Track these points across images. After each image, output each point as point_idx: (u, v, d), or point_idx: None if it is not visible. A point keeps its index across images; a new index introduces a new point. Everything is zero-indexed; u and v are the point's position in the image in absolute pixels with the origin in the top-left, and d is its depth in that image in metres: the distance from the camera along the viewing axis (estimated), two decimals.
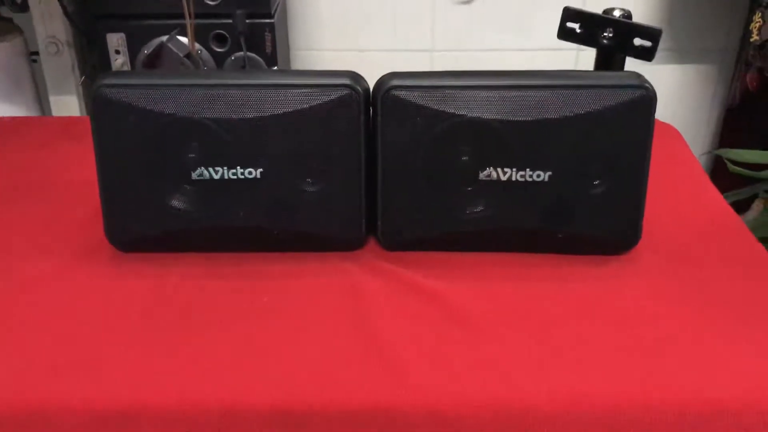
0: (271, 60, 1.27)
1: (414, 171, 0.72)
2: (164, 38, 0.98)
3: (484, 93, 0.70)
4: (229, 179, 0.72)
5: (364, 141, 0.72)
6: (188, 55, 0.98)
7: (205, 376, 0.61)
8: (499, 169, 0.71)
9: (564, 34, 0.96)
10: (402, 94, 0.70)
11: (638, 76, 0.71)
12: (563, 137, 0.70)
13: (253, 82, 0.70)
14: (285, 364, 0.62)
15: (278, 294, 0.70)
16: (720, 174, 1.48)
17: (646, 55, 0.92)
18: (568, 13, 0.94)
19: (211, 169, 0.71)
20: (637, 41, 0.92)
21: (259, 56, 1.26)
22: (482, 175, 0.71)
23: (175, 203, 0.73)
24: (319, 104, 0.70)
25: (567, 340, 0.64)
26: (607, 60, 0.96)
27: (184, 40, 1.12)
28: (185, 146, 0.71)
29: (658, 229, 0.79)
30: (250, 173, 0.71)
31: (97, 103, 0.70)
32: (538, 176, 0.71)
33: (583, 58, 0.94)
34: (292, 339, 0.65)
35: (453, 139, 0.71)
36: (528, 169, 0.71)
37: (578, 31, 0.95)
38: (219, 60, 1.26)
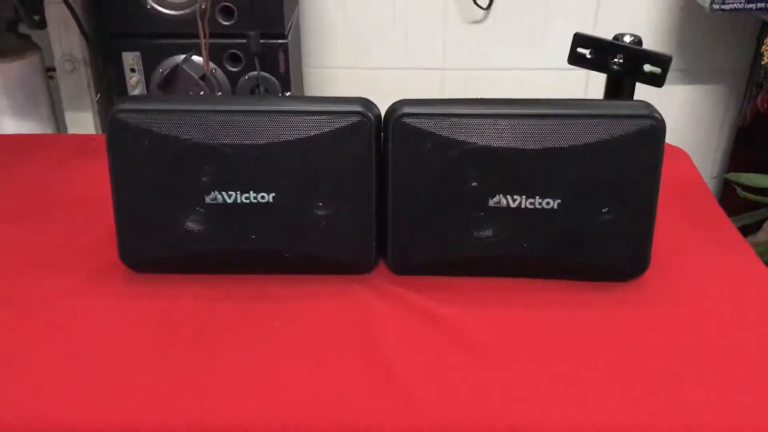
0: (285, 79, 1.29)
1: (424, 196, 0.73)
2: (180, 58, 0.99)
3: (494, 121, 0.70)
4: (242, 203, 0.73)
5: (375, 166, 0.73)
6: (203, 77, 0.99)
7: (215, 400, 0.62)
8: (508, 196, 0.72)
9: (574, 59, 0.96)
10: (413, 121, 0.71)
11: (647, 105, 0.72)
12: (573, 166, 0.71)
13: (266, 108, 0.71)
14: (294, 389, 0.63)
15: (289, 318, 0.71)
16: (729, 197, 1.48)
17: (656, 81, 0.92)
18: (579, 39, 0.95)
19: (224, 193, 0.73)
20: (647, 67, 0.93)
21: (273, 75, 1.28)
22: (492, 202, 0.72)
23: (189, 226, 0.74)
24: (331, 131, 0.71)
25: (574, 369, 0.65)
26: (617, 85, 0.97)
27: (199, 60, 1.13)
28: (199, 171, 0.72)
29: (665, 254, 0.79)
30: (262, 198, 0.73)
31: (113, 128, 0.72)
32: (548, 204, 0.72)
33: (593, 77, 0.95)
34: (301, 364, 0.65)
35: (463, 166, 0.71)
36: (537, 197, 0.72)
37: (589, 56, 0.95)
38: (233, 79, 1.27)
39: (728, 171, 1.60)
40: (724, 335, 0.69)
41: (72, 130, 1.29)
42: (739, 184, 1.22)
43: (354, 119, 0.71)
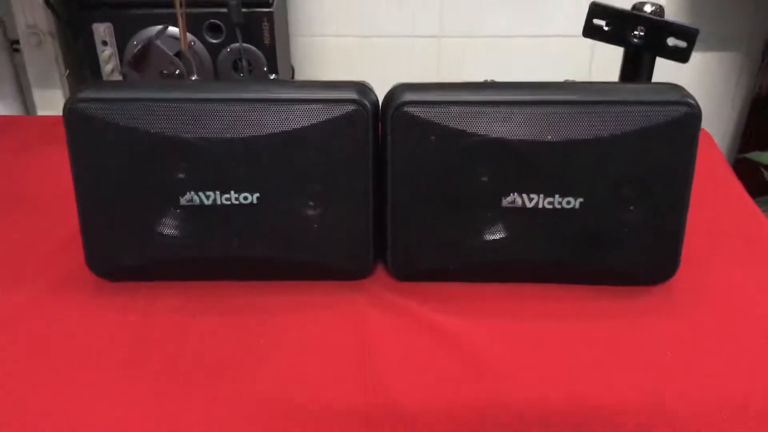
0: (270, 51, 1.19)
1: (428, 195, 0.64)
2: (155, 31, 0.89)
3: (507, 109, 0.62)
4: (222, 205, 0.64)
5: (373, 161, 0.64)
6: (179, 53, 0.89)
7: (192, 429, 0.54)
8: (524, 195, 0.64)
9: (590, 31, 0.87)
10: (415, 110, 0.62)
11: (679, 89, 0.63)
12: (597, 160, 0.62)
13: (248, 96, 0.62)
14: (281, 419, 0.55)
15: (275, 335, 0.63)
16: (744, 175, 1.40)
17: (681, 56, 0.83)
18: (596, 9, 0.86)
19: (201, 194, 0.64)
20: (671, 41, 0.84)
21: (257, 47, 1.18)
22: (505, 202, 0.64)
23: (162, 230, 0.65)
24: (323, 122, 0.62)
25: (593, 391, 0.57)
26: (636, 60, 0.88)
27: (175, 31, 1.03)
28: (172, 168, 0.63)
29: (694, 253, 0.71)
30: (245, 198, 0.64)
31: (72, 120, 0.63)
32: (568, 203, 0.64)
33: (600, 45, 0.88)
34: (288, 391, 0.58)
35: (472, 161, 0.63)
36: (557, 195, 0.63)
37: (606, 28, 0.86)
38: (213, 52, 1.17)
39: (741, 146, 1.52)
40: (757, 351, 0.62)
41: (41, 109, 1.19)
42: (762, 165, 1.14)
43: (348, 108, 0.62)
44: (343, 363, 0.60)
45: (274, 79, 0.69)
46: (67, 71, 1.16)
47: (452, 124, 0.62)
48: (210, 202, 0.64)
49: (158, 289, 0.68)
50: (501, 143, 0.62)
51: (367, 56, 1.52)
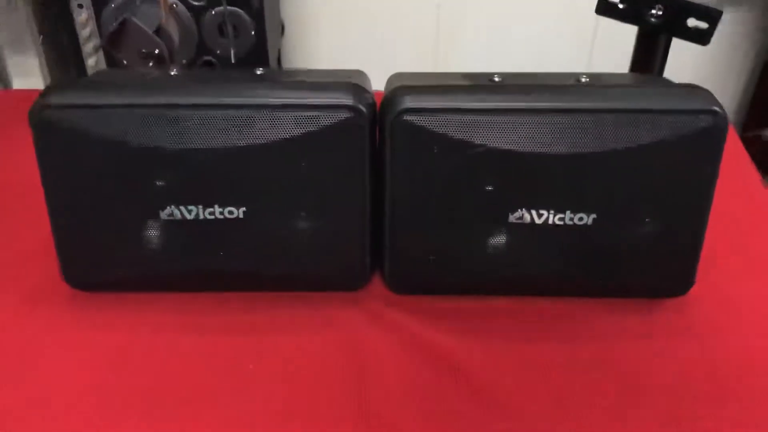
0: (258, 15, 1.12)
1: (428, 207, 0.60)
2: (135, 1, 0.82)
3: (514, 118, 0.56)
4: (206, 219, 0.59)
5: (370, 167, 0.59)
6: (158, 30, 0.82)
7: None
8: (533, 211, 0.59)
9: (603, 8, 0.81)
10: (416, 119, 0.56)
11: (704, 94, 0.58)
12: (612, 174, 0.57)
13: (232, 101, 0.57)
14: None
15: (266, 359, 0.59)
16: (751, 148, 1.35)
17: (701, 38, 0.78)
18: None
19: (182, 208, 0.59)
20: (691, 22, 0.77)
21: (244, 9, 1.11)
22: (512, 217, 0.59)
23: (142, 245, 0.61)
24: (315, 131, 0.57)
25: (601, 424, 0.54)
26: (651, 39, 0.82)
27: None
28: (150, 181, 0.58)
29: (713, 260, 0.67)
30: (230, 213, 0.59)
31: (39, 129, 0.57)
32: (581, 219, 0.59)
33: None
34: (279, 424, 0.54)
35: (477, 174, 0.58)
36: (568, 212, 0.59)
37: (620, 6, 0.80)
38: (197, 14, 1.10)
39: (750, 114, 1.46)
40: None
41: (16, 77, 1.12)
42: None
43: (343, 115, 0.57)
44: (337, 392, 0.57)
45: (261, 74, 0.62)
46: (42, 36, 1.09)
47: (455, 134, 0.57)
48: (192, 216, 0.59)
49: (139, 302, 0.64)
50: (508, 155, 0.57)
51: (361, 19, 1.43)
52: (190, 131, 0.56)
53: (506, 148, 0.57)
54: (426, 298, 0.64)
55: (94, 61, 1.11)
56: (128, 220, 0.60)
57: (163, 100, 0.57)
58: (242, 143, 0.57)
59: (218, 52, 1.11)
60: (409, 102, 0.57)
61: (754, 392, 0.56)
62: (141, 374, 0.58)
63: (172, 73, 0.62)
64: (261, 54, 1.14)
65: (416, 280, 0.64)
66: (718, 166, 0.58)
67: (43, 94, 0.58)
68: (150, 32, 0.80)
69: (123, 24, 0.78)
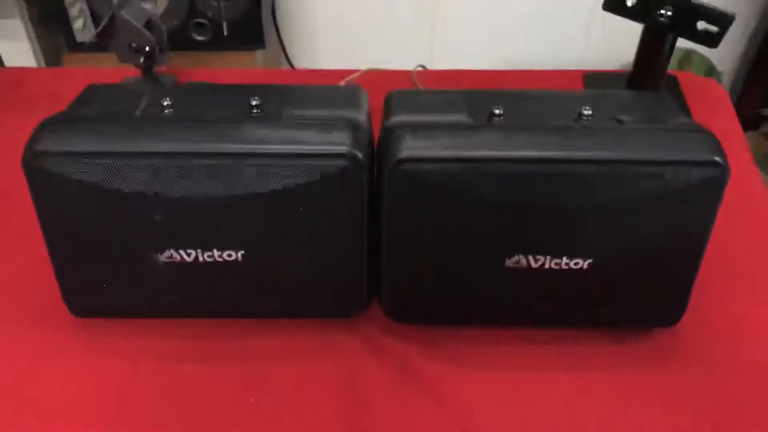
0: None
1: (425, 250, 0.60)
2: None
3: (514, 168, 0.55)
4: (205, 262, 0.59)
5: (367, 207, 0.59)
6: (149, 23, 0.79)
7: None
8: (530, 257, 0.59)
9: (611, 5, 0.77)
10: (414, 168, 0.56)
11: (709, 139, 0.57)
12: (610, 223, 0.57)
13: (229, 149, 0.56)
14: None
15: (267, 391, 0.61)
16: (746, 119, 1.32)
17: (710, 41, 0.75)
18: None
19: (181, 251, 0.59)
20: (701, 25, 0.75)
21: None
22: (509, 262, 0.59)
23: (142, 282, 0.61)
24: (313, 180, 0.56)
25: None
26: (658, 38, 0.79)
27: None
28: (148, 226, 0.58)
29: (706, 284, 0.67)
30: (229, 256, 0.59)
31: (33, 177, 0.56)
32: (576, 264, 0.59)
33: None
34: None
35: (474, 222, 0.58)
36: (565, 257, 0.59)
37: (629, 3, 0.77)
38: None
39: (747, 82, 1.42)
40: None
41: (1, 39, 1.08)
42: None
43: (341, 163, 0.56)
44: (332, 418, 0.59)
45: (257, 104, 0.60)
46: None
47: (454, 184, 0.56)
48: (191, 259, 0.59)
49: (141, 328, 0.65)
50: (505, 204, 0.57)
51: None
52: (184, 180, 0.56)
53: (503, 198, 0.56)
54: (421, 326, 0.66)
55: (81, 24, 1.07)
56: (127, 261, 0.60)
57: (155, 146, 0.56)
58: (240, 191, 0.56)
59: (209, 14, 1.07)
60: (407, 149, 0.56)
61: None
62: (144, 407, 0.60)
63: (165, 105, 0.60)
64: (255, 21, 1.10)
65: (413, 311, 0.65)
66: (716, 213, 0.58)
67: (35, 137, 0.56)
68: (140, 26, 0.77)
69: (112, 18, 0.75)
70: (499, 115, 0.60)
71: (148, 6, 0.80)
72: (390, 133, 0.58)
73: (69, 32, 1.08)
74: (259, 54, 1.14)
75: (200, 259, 0.59)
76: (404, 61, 1.26)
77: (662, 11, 0.75)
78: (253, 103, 0.60)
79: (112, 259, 0.60)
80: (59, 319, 0.66)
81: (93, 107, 0.62)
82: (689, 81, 0.94)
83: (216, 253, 0.59)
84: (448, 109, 0.62)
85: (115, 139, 0.56)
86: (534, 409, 0.60)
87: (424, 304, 0.64)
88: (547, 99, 0.65)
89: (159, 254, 0.59)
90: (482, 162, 0.56)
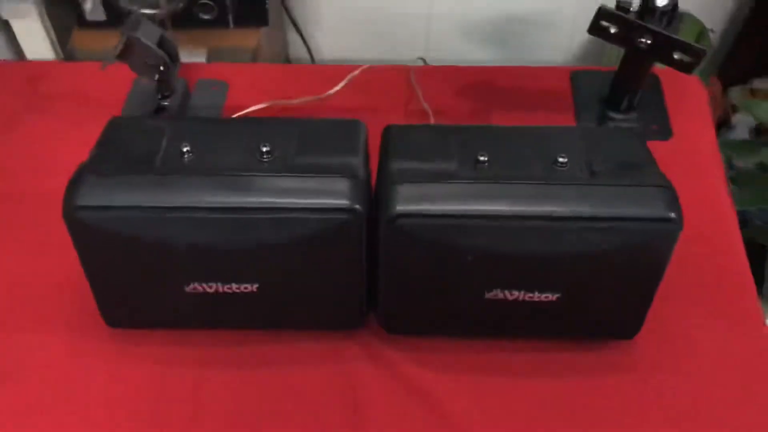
0: None
1: (418, 284, 0.69)
2: (137, 15, 0.83)
3: (493, 222, 0.63)
4: (224, 293, 0.69)
5: (366, 245, 0.67)
6: (161, 40, 0.84)
7: None
8: (506, 291, 0.68)
9: (596, 30, 0.82)
10: (407, 222, 0.64)
11: (669, 197, 0.64)
12: (576, 265, 0.66)
13: (244, 203, 0.63)
14: None
15: (275, 389, 0.72)
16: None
17: (685, 68, 0.81)
18: (603, 13, 0.80)
19: (204, 285, 0.68)
20: (677, 54, 0.80)
21: None
22: (488, 295, 0.69)
23: (170, 307, 0.71)
24: (317, 230, 0.64)
25: None
26: (638, 60, 0.85)
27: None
28: (176, 266, 0.67)
29: (666, 299, 0.76)
30: (246, 288, 0.68)
31: (73, 226, 0.64)
32: (546, 297, 0.69)
33: None
34: None
35: (462, 267, 0.66)
36: (536, 291, 0.68)
37: (613, 30, 0.82)
38: None
39: (738, 40, 1.44)
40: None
41: (15, 26, 1.12)
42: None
43: (342, 216, 0.64)
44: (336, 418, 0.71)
45: (265, 158, 0.67)
46: None
47: (440, 235, 0.64)
48: (213, 290, 0.68)
49: (169, 337, 0.75)
50: (486, 251, 0.65)
51: None
52: (207, 229, 0.64)
53: (483, 246, 0.65)
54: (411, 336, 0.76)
55: (89, 6, 1.11)
56: (157, 292, 0.69)
57: (182, 202, 0.63)
58: (254, 239, 0.64)
59: None
60: (401, 207, 0.63)
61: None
62: (178, 403, 0.71)
63: (185, 152, 0.67)
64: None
65: (403, 325, 0.75)
66: (670, 256, 0.66)
67: (72, 191, 0.63)
68: (153, 46, 0.83)
69: (128, 41, 0.81)
70: (484, 162, 0.68)
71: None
72: (386, 185, 0.65)
73: (79, 12, 1.12)
74: (263, 32, 1.18)
75: (221, 290, 0.68)
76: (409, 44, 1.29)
77: (642, 39, 0.80)
78: (264, 149, 0.67)
79: (144, 291, 0.70)
80: (96, 327, 0.75)
81: (117, 150, 0.69)
82: (670, 79, 0.99)
83: (234, 286, 0.68)
84: (439, 153, 0.69)
85: (145, 193, 0.64)
86: (507, 408, 0.72)
87: (414, 320, 0.74)
88: (529, 139, 0.71)
89: (185, 286, 0.68)
90: (465, 218, 0.64)
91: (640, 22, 0.79)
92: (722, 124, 1.66)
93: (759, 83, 1.65)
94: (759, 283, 0.84)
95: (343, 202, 0.64)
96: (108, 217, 0.63)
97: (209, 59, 1.16)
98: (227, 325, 0.75)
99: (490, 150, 0.68)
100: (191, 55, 1.14)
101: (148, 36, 0.82)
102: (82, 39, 1.17)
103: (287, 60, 1.46)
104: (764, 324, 0.78)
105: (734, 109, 1.66)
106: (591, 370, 0.75)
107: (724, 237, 0.85)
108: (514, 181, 0.65)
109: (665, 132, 0.93)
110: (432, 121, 0.93)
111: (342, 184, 0.65)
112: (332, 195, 0.64)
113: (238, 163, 0.67)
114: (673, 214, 0.64)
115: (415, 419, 0.71)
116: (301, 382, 0.73)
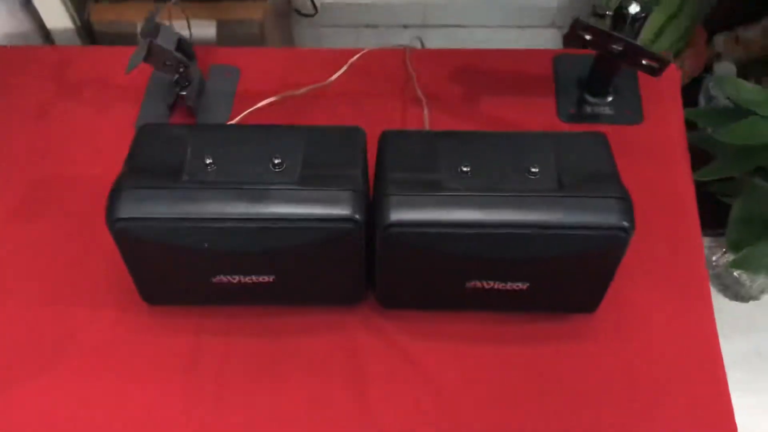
0: None
1: (410, 276, 0.82)
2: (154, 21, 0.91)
3: (473, 230, 0.75)
4: (245, 282, 0.81)
5: (365, 243, 0.79)
6: (179, 42, 0.93)
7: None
8: (483, 282, 0.81)
9: (572, 40, 0.91)
10: (399, 230, 0.75)
11: (625, 207, 0.75)
12: (542, 265, 0.78)
13: (261, 214, 0.74)
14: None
15: (288, 355, 0.86)
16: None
17: (653, 73, 0.90)
18: (579, 26, 0.88)
19: (228, 277, 0.80)
20: (645, 61, 0.89)
21: None
22: (468, 285, 0.81)
23: (200, 293, 0.84)
24: (322, 236, 0.76)
25: (520, 414, 0.83)
26: (610, 62, 0.94)
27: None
28: (203, 264, 0.79)
29: (623, 277, 0.89)
30: (264, 279, 0.81)
31: (116, 234, 0.76)
32: (517, 286, 0.81)
33: None
34: (298, 407, 0.83)
35: (448, 267, 0.79)
36: (509, 282, 0.81)
37: (587, 38, 0.90)
38: None
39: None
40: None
41: (43, 13, 1.19)
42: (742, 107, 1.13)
43: (345, 225, 0.75)
44: (339, 377, 0.85)
45: (277, 169, 0.78)
46: None
47: (428, 240, 0.76)
48: (236, 281, 0.81)
49: (198, 313, 0.88)
50: (466, 253, 0.77)
51: None
52: (230, 236, 0.75)
53: (464, 250, 0.76)
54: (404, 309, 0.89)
55: None
56: (188, 283, 0.82)
57: (208, 214, 0.74)
58: (270, 243, 0.76)
59: None
60: (394, 217, 0.75)
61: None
62: (207, 367, 0.85)
63: (209, 164, 0.77)
64: None
65: (398, 301, 0.88)
66: (623, 255, 0.78)
67: (114, 204, 0.74)
68: (171, 50, 0.91)
69: (150, 46, 0.90)
70: (467, 172, 0.78)
71: None
72: (382, 196, 0.76)
73: None
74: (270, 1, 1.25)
75: (242, 281, 0.81)
76: None
77: (614, 46, 0.89)
78: (275, 161, 0.78)
79: (177, 282, 0.82)
80: (139, 302, 0.88)
81: (147, 161, 0.79)
82: None
83: (254, 277, 0.81)
84: (428, 162, 0.79)
85: (177, 205, 0.75)
86: (485, 370, 0.85)
87: (407, 298, 0.87)
88: (507, 148, 0.81)
89: (212, 278, 0.81)
90: (449, 226, 0.75)
91: (612, 32, 0.87)
92: (706, 71, 1.74)
93: (743, 31, 1.71)
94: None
95: (346, 213, 0.75)
96: (144, 227, 0.75)
97: (218, 30, 1.23)
98: (248, 304, 0.88)
99: (473, 160, 0.79)
100: (201, 26, 1.22)
101: (166, 41, 0.91)
102: (99, 11, 1.24)
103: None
104: (710, 300, 0.91)
105: (718, 57, 1.73)
106: (558, 338, 0.88)
107: (682, 220, 0.96)
108: (491, 193, 0.76)
109: (637, 117, 1.02)
110: (425, 107, 1.03)
111: (345, 196, 0.76)
112: (337, 206, 0.75)
113: (254, 174, 0.77)
114: (626, 223, 0.75)
115: (407, 378, 0.85)
116: (311, 348, 0.87)
